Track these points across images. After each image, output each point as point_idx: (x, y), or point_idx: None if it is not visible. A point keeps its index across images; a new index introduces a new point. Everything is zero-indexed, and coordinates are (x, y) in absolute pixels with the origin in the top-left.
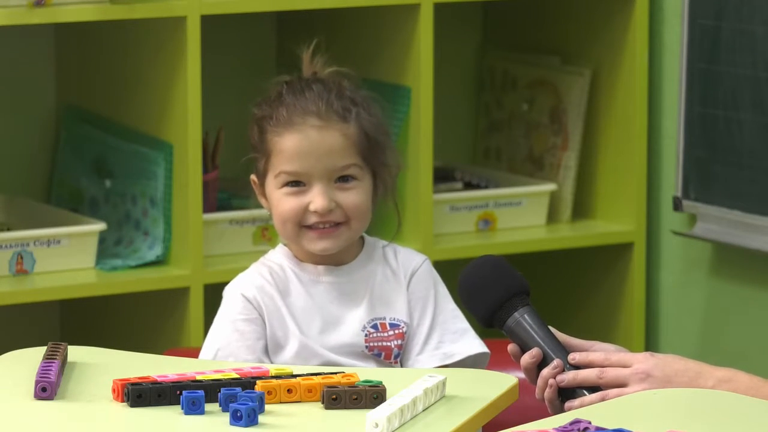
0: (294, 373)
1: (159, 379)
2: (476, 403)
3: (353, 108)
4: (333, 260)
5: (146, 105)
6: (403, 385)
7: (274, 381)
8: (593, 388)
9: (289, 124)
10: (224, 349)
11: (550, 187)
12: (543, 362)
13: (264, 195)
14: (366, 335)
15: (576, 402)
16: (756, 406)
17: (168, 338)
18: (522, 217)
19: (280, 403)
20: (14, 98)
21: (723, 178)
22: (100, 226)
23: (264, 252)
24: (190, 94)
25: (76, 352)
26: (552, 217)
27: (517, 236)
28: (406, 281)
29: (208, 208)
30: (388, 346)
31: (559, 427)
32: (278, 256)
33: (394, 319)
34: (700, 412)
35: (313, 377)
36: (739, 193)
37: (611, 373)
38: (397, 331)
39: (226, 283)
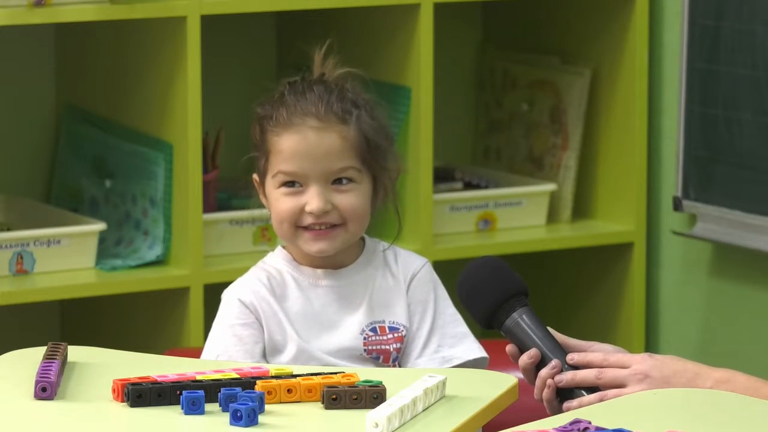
0: (294, 373)
1: (159, 379)
2: (476, 403)
3: (354, 110)
4: (332, 263)
5: (146, 105)
6: (403, 385)
7: (274, 381)
8: (592, 389)
9: (288, 124)
10: (223, 354)
11: (550, 187)
12: (541, 363)
13: (264, 194)
14: (365, 338)
15: (574, 402)
16: (755, 406)
17: (168, 338)
18: (522, 217)
19: (280, 403)
20: (14, 98)
21: (723, 178)
22: (100, 226)
23: (264, 252)
24: (190, 94)
25: (76, 352)
26: (552, 217)
27: (517, 236)
28: (406, 285)
29: (208, 208)
30: (387, 350)
31: (559, 427)
32: (277, 259)
33: (393, 323)
34: (699, 412)
35: (313, 377)
36: (739, 193)
37: (610, 374)
38: (396, 335)
39: (226, 283)
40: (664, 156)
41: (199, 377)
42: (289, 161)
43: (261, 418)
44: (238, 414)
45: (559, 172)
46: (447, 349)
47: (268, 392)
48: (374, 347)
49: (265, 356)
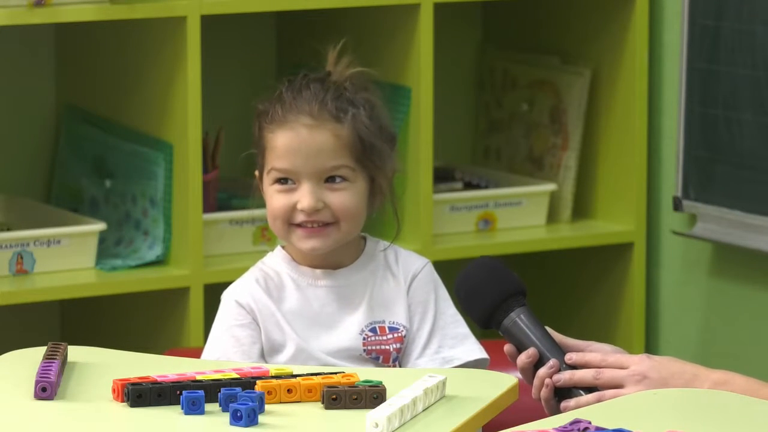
0: (294, 373)
1: (159, 379)
2: (476, 403)
3: (350, 109)
4: (331, 263)
5: (146, 105)
6: (403, 385)
7: (274, 381)
8: (590, 389)
9: (283, 121)
10: (222, 356)
11: (550, 187)
12: (539, 362)
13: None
14: (364, 339)
15: (572, 402)
16: (755, 406)
17: (168, 338)
18: (522, 217)
19: (280, 403)
20: (14, 98)
21: (723, 178)
22: (100, 226)
23: (263, 252)
24: (190, 94)
25: (76, 352)
26: (552, 217)
27: (517, 236)
28: (406, 285)
29: (208, 208)
30: (387, 350)
31: (559, 427)
32: (275, 260)
33: (393, 323)
34: (699, 412)
35: (313, 377)
36: (739, 193)
37: (608, 374)
38: (396, 335)
39: (226, 283)
40: (664, 156)
41: (199, 377)
42: (282, 158)
43: (261, 418)
44: (238, 414)
45: (559, 172)
46: (447, 350)
47: (268, 392)
48: (374, 347)
49: (263, 356)
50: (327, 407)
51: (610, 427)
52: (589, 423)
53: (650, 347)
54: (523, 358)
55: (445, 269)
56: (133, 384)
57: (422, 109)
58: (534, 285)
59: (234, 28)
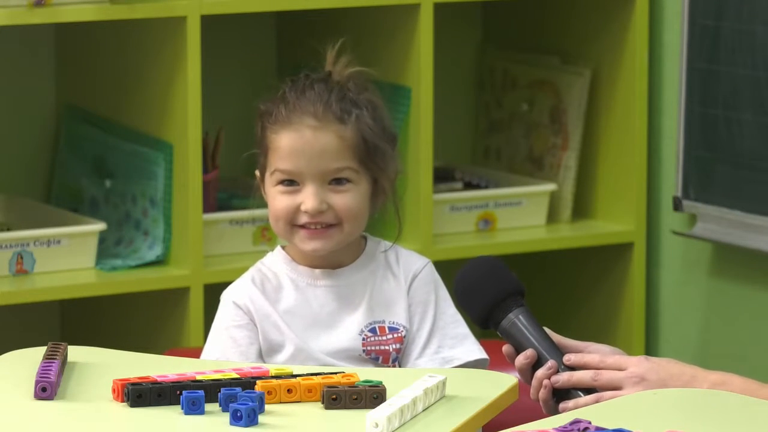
0: (294, 373)
1: (159, 379)
2: (476, 403)
3: (354, 110)
4: (331, 263)
5: (146, 105)
6: (403, 385)
7: (274, 381)
8: (588, 390)
9: (287, 122)
10: (220, 357)
11: (550, 187)
12: (537, 363)
13: (264, 190)
14: (363, 339)
15: (570, 403)
16: (754, 406)
17: (168, 338)
18: (522, 217)
19: (280, 403)
20: (14, 98)
21: (723, 178)
22: (100, 226)
23: (263, 252)
24: (190, 94)
25: (76, 352)
26: (552, 217)
27: (517, 236)
28: (407, 285)
29: (208, 208)
30: (386, 350)
31: (559, 427)
32: (274, 260)
33: (393, 323)
34: (699, 412)
35: (313, 377)
36: (739, 193)
37: (606, 376)
38: (396, 335)
39: (226, 283)
40: (664, 156)
41: (199, 377)
42: (286, 159)
43: (261, 418)
44: (238, 414)
45: (559, 172)
46: (447, 350)
47: (268, 392)
48: (373, 348)
49: (261, 357)
50: (327, 407)
51: (610, 427)
52: (589, 423)
53: (650, 347)
54: (521, 359)
55: (445, 269)
56: (133, 384)
57: (422, 109)
58: (534, 285)
59: (234, 28)
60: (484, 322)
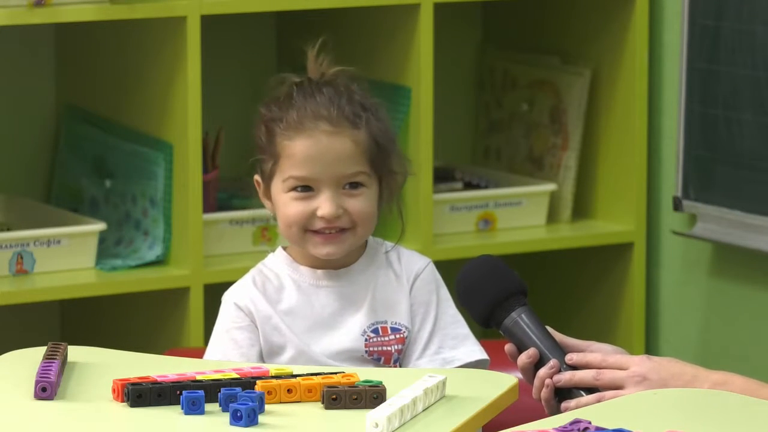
0: (294, 373)
1: (159, 379)
2: (476, 403)
3: (363, 114)
4: (333, 264)
5: (146, 105)
6: (403, 385)
7: (274, 381)
8: (590, 389)
9: (300, 128)
10: (222, 359)
11: (550, 187)
12: (540, 362)
13: (267, 197)
14: (366, 340)
15: (572, 403)
16: (755, 406)
17: (168, 338)
18: (522, 217)
19: (280, 403)
20: (14, 98)
21: (723, 178)
22: (100, 226)
23: (263, 252)
24: (190, 94)
25: (76, 352)
26: (552, 217)
27: (517, 236)
28: (409, 285)
29: (208, 208)
30: (389, 351)
31: (559, 427)
32: (276, 261)
33: (395, 324)
34: (699, 412)
35: (313, 377)
36: (739, 193)
37: (608, 375)
38: (398, 336)
39: (225, 283)
40: (664, 156)
41: (199, 377)
42: (302, 166)
43: (261, 418)
44: (238, 414)
45: (559, 172)
46: (448, 351)
47: (268, 392)
48: (375, 348)
49: (262, 358)
50: (327, 407)
51: (610, 427)
52: (589, 423)
53: (650, 347)
54: (523, 358)
55: (446, 269)
56: (133, 384)
57: (422, 109)
58: (534, 285)
59: (234, 28)
60: (487, 321)
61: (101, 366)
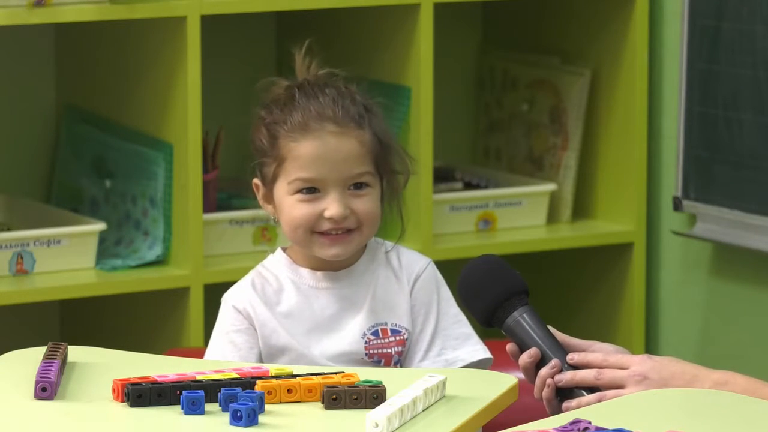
0: (294, 373)
1: (159, 379)
2: (476, 403)
3: (366, 114)
4: (333, 265)
5: (146, 105)
6: (403, 385)
7: (274, 381)
8: (591, 389)
9: (306, 129)
10: None
11: (550, 187)
12: (541, 362)
13: (267, 200)
14: (366, 342)
15: (573, 402)
16: (755, 406)
17: (168, 338)
18: (522, 217)
19: (280, 403)
20: (14, 98)
21: (723, 178)
22: (100, 226)
23: (264, 252)
24: (190, 94)
25: (76, 352)
26: (552, 217)
27: (517, 236)
28: (409, 286)
29: (208, 208)
30: (389, 353)
31: (559, 427)
32: (275, 263)
33: (395, 325)
34: (699, 412)
35: (313, 377)
36: (739, 193)
37: (608, 375)
38: (398, 338)
39: (225, 283)
40: (664, 156)
41: (199, 377)
42: (309, 167)
43: (261, 418)
44: (238, 414)
45: (559, 172)
46: (450, 352)
47: (268, 392)
48: (375, 351)
49: (261, 361)
50: (327, 407)
51: (610, 427)
52: (589, 423)
53: (650, 347)
54: (525, 358)
55: (445, 269)
56: (133, 384)
57: (422, 109)
58: (534, 285)
59: (234, 28)
60: (488, 320)
61: (101, 366)
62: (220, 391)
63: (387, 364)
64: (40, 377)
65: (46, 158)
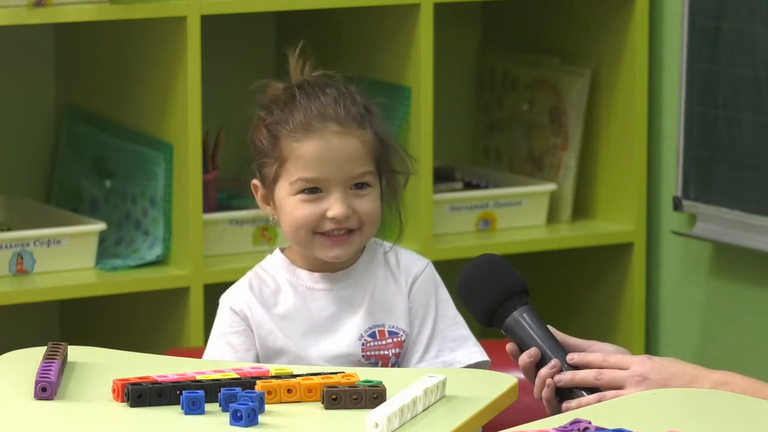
0: (294, 373)
1: (159, 379)
2: (476, 403)
3: (367, 114)
4: (332, 266)
5: (146, 105)
6: (403, 385)
7: (274, 381)
8: (591, 389)
9: (308, 129)
10: None
11: (550, 187)
12: (541, 362)
13: (267, 201)
14: (363, 344)
15: (573, 402)
16: (755, 406)
17: (168, 338)
18: (522, 217)
19: (280, 403)
20: (14, 98)
21: (723, 178)
22: (100, 226)
23: (263, 252)
24: (190, 94)
25: (76, 352)
26: (552, 217)
27: (517, 236)
28: (407, 287)
29: (208, 208)
30: (386, 355)
31: (559, 427)
32: (273, 264)
33: (393, 327)
34: (699, 412)
35: (313, 377)
36: (739, 193)
37: (608, 375)
38: (395, 340)
39: (225, 283)
40: (664, 156)
41: (199, 377)
42: (311, 167)
43: (261, 418)
44: (238, 414)
45: (559, 172)
46: (448, 354)
47: (268, 392)
48: (372, 353)
49: (258, 362)
50: (327, 407)
51: (610, 427)
52: (589, 423)
53: (650, 347)
54: (525, 358)
55: (445, 269)
56: (133, 384)
57: (422, 109)
58: (534, 285)
59: (234, 28)
60: (488, 320)
61: (101, 366)
62: (220, 391)
63: (384, 366)
64: (40, 377)
65: (46, 158)
